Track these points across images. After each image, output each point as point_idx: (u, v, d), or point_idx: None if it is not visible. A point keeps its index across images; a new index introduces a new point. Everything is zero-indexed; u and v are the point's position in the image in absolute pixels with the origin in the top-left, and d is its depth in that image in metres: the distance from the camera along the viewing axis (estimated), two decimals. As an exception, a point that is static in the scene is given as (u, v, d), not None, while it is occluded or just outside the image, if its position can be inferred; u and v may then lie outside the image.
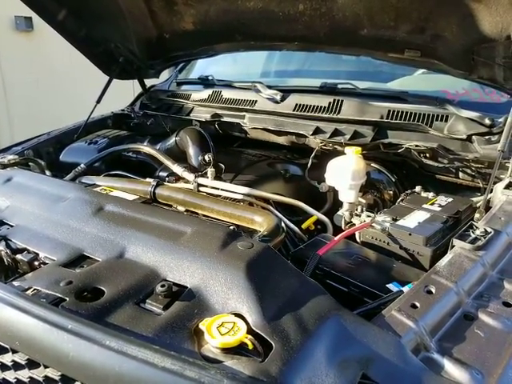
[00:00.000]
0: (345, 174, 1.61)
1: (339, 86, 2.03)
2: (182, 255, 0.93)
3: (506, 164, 1.54)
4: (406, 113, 1.76)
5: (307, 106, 1.94)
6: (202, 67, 2.75)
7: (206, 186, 1.61)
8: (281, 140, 2.03)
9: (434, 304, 0.86)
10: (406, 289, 1.00)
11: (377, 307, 0.92)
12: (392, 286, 1.04)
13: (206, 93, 2.30)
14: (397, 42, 1.62)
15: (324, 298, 0.84)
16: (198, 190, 1.61)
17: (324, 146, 1.85)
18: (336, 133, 1.80)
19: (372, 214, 1.37)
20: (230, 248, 0.93)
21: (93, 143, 2.13)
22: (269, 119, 2.00)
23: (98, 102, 2.32)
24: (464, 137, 1.63)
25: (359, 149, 1.60)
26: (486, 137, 1.62)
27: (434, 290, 0.90)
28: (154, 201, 1.48)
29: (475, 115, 1.70)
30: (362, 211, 1.40)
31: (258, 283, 0.82)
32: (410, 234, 1.20)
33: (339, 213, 1.66)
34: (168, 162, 1.72)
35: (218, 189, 1.60)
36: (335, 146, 1.82)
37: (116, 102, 2.62)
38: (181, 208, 1.47)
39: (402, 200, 1.50)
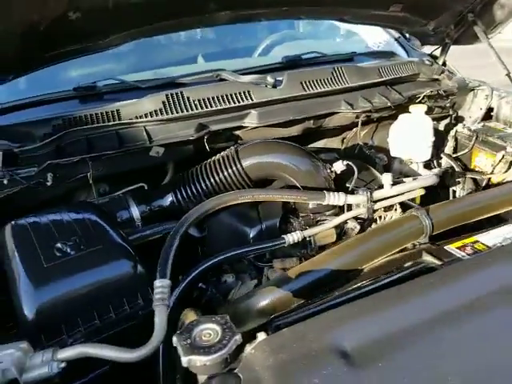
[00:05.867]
0: (425, 132, 1.59)
1: (303, 57, 1.84)
2: None
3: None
4: (391, 67, 1.85)
5: (311, 81, 1.66)
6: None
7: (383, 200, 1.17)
8: (292, 131, 1.66)
9: None
10: None
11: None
12: None
13: (149, 102, 1.48)
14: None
15: None
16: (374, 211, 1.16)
17: (356, 117, 1.68)
18: (367, 100, 1.67)
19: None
20: None
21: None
22: (285, 108, 1.58)
23: None
24: (442, 76, 1.92)
25: (425, 106, 1.61)
26: (446, 73, 1.98)
27: None
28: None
29: (418, 59, 2.03)
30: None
31: None
32: None
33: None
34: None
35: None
36: (371, 116, 1.69)
37: None
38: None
39: None
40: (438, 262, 0.82)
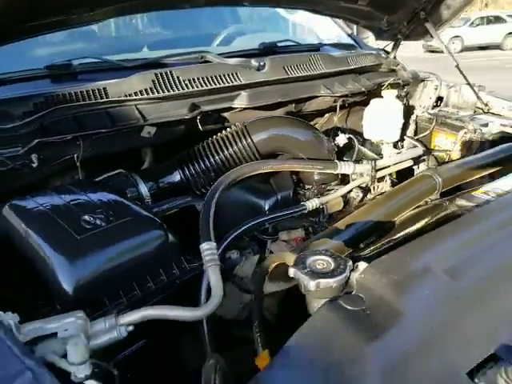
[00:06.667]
0: (395, 114, 1.75)
1: (279, 44, 1.91)
2: None
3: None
4: (357, 57, 2.00)
5: (292, 66, 1.73)
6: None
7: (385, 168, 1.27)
8: (275, 114, 1.71)
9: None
10: None
11: None
12: None
13: (138, 80, 1.44)
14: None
15: None
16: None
17: (334, 102, 1.79)
18: (343, 86, 1.79)
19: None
20: None
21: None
22: (272, 91, 1.63)
23: None
24: (398, 68, 2.11)
25: (395, 91, 1.76)
26: (401, 65, 2.18)
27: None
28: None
29: (375, 52, 2.21)
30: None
31: None
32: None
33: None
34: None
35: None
36: (346, 101, 1.81)
37: None
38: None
39: None
40: (473, 204, 0.93)
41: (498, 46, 15.38)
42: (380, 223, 0.94)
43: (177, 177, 1.22)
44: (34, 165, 1.23)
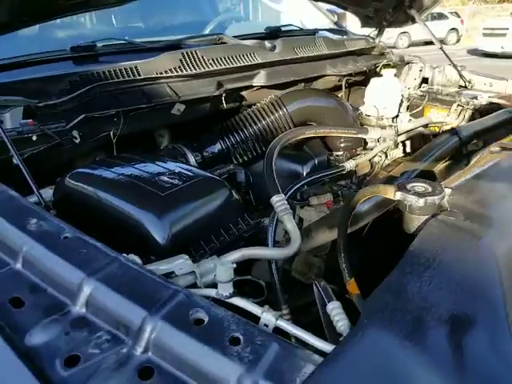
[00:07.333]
0: (394, 91, 1.91)
1: (282, 29, 2.02)
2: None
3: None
4: (352, 41, 2.15)
5: (301, 47, 1.85)
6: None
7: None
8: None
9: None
10: None
11: None
12: None
13: (167, 59, 1.50)
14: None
15: None
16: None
17: (339, 81, 1.92)
18: (346, 66, 1.92)
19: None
20: None
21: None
22: (285, 70, 1.73)
23: None
24: (387, 51, 2.28)
25: (394, 69, 1.92)
26: (389, 49, 2.36)
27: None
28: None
29: (365, 37, 2.37)
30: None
31: None
32: None
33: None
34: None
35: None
36: (349, 80, 1.94)
37: None
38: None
39: None
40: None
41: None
42: (423, 172, 1.08)
43: (218, 147, 1.30)
44: (77, 141, 1.26)
